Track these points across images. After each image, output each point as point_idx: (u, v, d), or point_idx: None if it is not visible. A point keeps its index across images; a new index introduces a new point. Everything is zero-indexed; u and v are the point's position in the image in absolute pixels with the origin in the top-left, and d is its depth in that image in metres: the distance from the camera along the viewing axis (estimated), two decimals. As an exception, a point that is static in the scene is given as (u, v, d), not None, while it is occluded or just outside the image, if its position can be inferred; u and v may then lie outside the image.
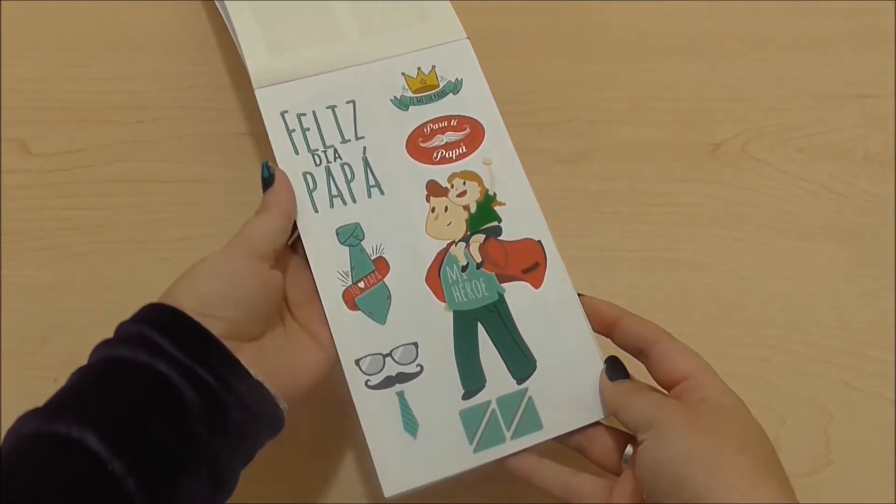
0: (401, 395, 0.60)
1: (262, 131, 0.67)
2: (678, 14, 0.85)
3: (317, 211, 0.64)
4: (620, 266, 0.76)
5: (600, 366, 0.61)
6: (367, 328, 0.61)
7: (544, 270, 0.64)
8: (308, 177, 0.65)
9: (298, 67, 0.68)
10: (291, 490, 0.68)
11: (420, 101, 0.68)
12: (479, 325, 0.62)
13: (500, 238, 0.64)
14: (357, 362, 0.60)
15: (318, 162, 0.66)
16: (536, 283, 0.63)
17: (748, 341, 0.72)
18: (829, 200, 0.78)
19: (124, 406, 0.50)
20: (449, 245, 0.64)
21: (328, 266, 0.63)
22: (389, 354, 0.61)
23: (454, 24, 0.72)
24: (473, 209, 0.65)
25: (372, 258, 0.63)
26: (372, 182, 0.65)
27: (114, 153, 0.79)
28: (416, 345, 0.61)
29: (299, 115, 0.67)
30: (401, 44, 0.70)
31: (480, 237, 0.64)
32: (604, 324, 0.61)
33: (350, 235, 0.63)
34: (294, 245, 0.65)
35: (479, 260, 0.64)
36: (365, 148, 0.66)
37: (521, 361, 0.61)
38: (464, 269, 0.63)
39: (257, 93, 0.67)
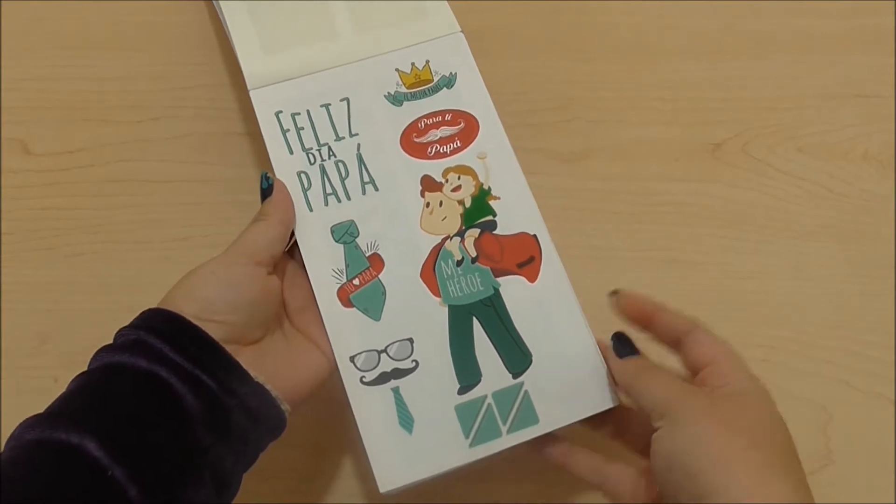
0: (396, 390, 0.60)
1: (260, 131, 0.67)
2: (678, 14, 0.85)
3: (311, 210, 0.64)
4: (620, 266, 0.76)
5: (597, 359, 0.61)
6: (362, 325, 0.61)
7: (539, 264, 0.63)
8: (303, 176, 0.65)
9: (293, 67, 0.69)
10: (287, 488, 0.68)
11: (414, 97, 0.68)
12: (475, 319, 0.62)
13: (494, 232, 0.64)
14: (352, 359, 0.60)
15: (312, 160, 0.66)
16: (532, 277, 0.63)
17: (748, 341, 0.71)
18: (829, 200, 0.77)
19: (124, 412, 0.50)
20: (444, 240, 0.64)
21: (323, 264, 0.63)
22: (384, 350, 0.61)
23: (448, 17, 0.72)
24: (468, 203, 0.65)
25: (367, 255, 0.63)
26: (366, 178, 0.65)
27: (114, 153, 0.79)
28: (411, 340, 0.61)
29: (293, 115, 0.67)
30: (395, 39, 0.71)
31: (475, 232, 0.64)
32: (641, 318, 0.60)
33: (345, 233, 0.63)
34: (291, 251, 0.65)
35: (474, 254, 0.63)
36: (359, 144, 0.67)
37: (516, 356, 0.61)
38: (459, 263, 0.63)
39: (252, 94, 0.68)
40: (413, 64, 0.70)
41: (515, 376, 0.61)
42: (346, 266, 0.63)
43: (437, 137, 0.67)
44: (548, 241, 0.64)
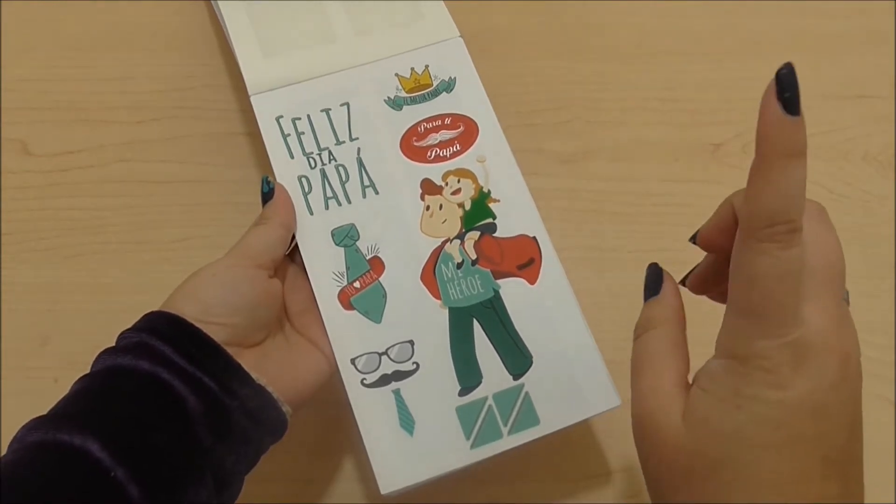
0: (397, 392, 0.60)
1: (261, 134, 0.67)
2: (678, 14, 0.85)
3: (312, 213, 0.64)
4: (620, 266, 0.75)
5: (597, 359, 0.61)
6: (362, 327, 0.61)
7: (539, 266, 0.64)
8: (303, 180, 0.65)
9: (293, 72, 0.69)
10: (289, 490, 0.68)
11: (414, 101, 0.69)
12: (475, 321, 0.62)
13: (494, 235, 0.64)
14: (353, 361, 0.60)
15: (312, 165, 0.66)
16: (532, 279, 0.63)
17: (748, 341, 0.72)
18: (830, 200, 0.77)
19: (127, 414, 0.50)
20: (444, 242, 0.64)
21: (324, 267, 0.63)
22: (385, 353, 0.61)
23: (447, 22, 0.72)
24: (468, 206, 0.65)
25: (367, 258, 0.63)
26: (367, 182, 0.66)
27: (114, 153, 0.79)
28: (411, 342, 0.61)
29: (294, 120, 0.67)
30: (394, 44, 0.71)
31: (475, 234, 0.64)
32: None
33: (345, 236, 0.64)
34: (292, 254, 0.65)
35: (474, 257, 0.64)
36: (359, 149, 0.67)
37: (517, 357, 0.61)
38: (459, 266, 0.63)
39: (253, 99, 0.68)
40: (412, 68, 0.70)
41: (516, 378, 0.61)
42: (347, 269, 0.63)
43: (437, 141, 0.67)
44: (547, 243, 0.64)
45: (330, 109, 0.68)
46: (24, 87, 0.82)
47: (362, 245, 0.63)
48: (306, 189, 0.65)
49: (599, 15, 0.86)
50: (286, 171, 0.66)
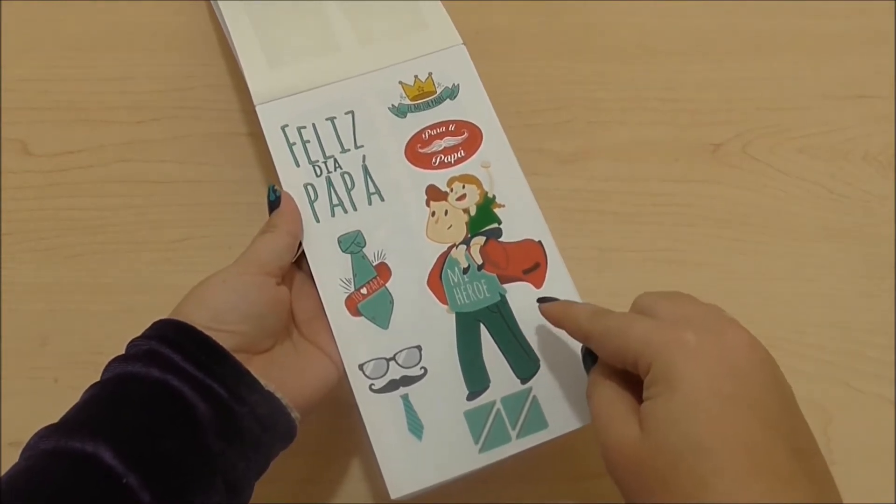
0: (405, 397, 0.60)
1: (261, 132, 0.67)
2: (678, 14, 0.85)
3: (318, 221, 0.65)
4: (620, 266, 0.76)
5: None
6: (370, 333, 0.62)
7: (545, 270, 0.64)
8: (309, 188, 0.66)
9: (298, 81, 0.69)
10: (297, 493, 0.68)
11: (418, 108, 0.69)
12: (482, 326, 0.62)
13: (500, 240, 0.65)
14: (361, 367, 0.61)
15: (318, 173, 0.66)
16: (538, 284, 0.64)
17: (748, 341, 0.72)
18: (830, 200, 0.78)
19: (138, 421, 0.50)
20: (450, 248, 0.64)
21: (331, 274, 0.63)
22: (393, 358, 0.61)
23: (450, 30, 0.72)
24: (473, 212, 0.65)
25: (374, 264, 0.63)
26: (372, 189, 0.66)
27: (114, 153, 0.79)
28: (419, 348, 0.61)
29: (299, 129, 0.68)
30: (398, 52, 0.71)
31: (481, 239, 0.65)
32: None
33: (352, 243, 0.64)
34: (299, 262, 0.65)
35: (480, 262, 0.64)
36: (364, 156, 0.67)
37: (524, 361, 0.61)
38: (465, 271, 0.63)
39: (258, 108, 0.68)
40: (416, 76, 0.70)
41: (524, 382, 0.61)
42: (354, 275, 0.63)
43: (442, 148, 0.68)
44: (553, 248, 0.64)
45: (335, 118, 0.68)
46: (24, 87, 0.82)
47: (369, 251, 0.64)
48: (312, 197, 0.65)
49: (599, 15, 0.86)
50: (292, 180, 0.66)
